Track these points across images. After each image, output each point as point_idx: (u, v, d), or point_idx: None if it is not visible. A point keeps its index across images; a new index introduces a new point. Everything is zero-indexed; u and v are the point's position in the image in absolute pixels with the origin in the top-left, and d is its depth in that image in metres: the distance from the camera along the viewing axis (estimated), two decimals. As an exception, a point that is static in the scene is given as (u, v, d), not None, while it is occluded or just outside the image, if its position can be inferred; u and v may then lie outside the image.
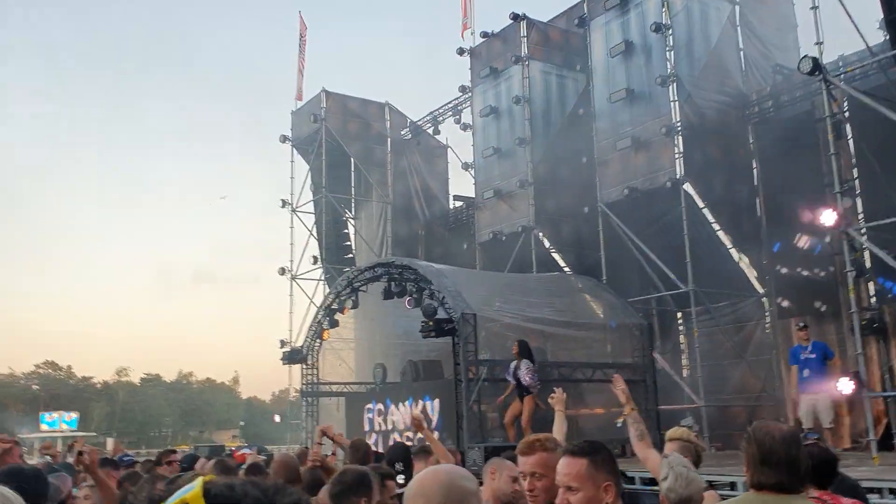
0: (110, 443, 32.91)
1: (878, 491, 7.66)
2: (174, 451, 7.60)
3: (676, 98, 16.11)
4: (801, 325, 12.61)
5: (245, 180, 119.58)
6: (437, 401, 15.66)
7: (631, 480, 10.08)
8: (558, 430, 5.07)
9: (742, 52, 17.62)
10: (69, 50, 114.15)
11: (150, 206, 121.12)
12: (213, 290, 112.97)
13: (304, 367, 19.00)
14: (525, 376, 12.26)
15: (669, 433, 4.87)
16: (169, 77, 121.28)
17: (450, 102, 23.43)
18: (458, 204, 24.43)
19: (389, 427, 16.75)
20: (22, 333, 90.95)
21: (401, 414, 16.73)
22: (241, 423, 64.80)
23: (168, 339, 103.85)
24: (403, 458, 5.44)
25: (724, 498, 4.10)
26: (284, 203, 24.76)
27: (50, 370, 68.71)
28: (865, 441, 12.11)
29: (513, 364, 12.45)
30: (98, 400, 66.61)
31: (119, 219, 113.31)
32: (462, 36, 21.74)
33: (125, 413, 67.07)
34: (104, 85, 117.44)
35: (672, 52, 16.24)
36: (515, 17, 19.36)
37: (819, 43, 11.32)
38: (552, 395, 5.40)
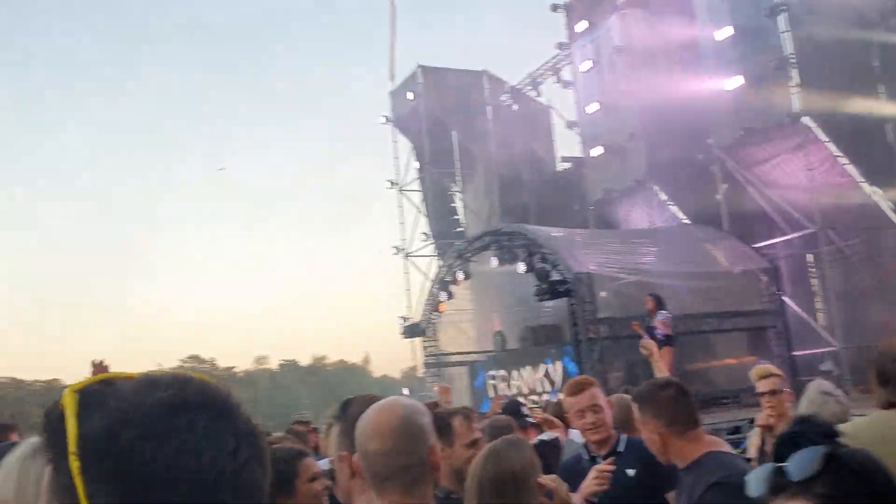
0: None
1: None
2: (308, 422, 8.09)
3: (788, 28, 15.14)
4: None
5: (350, 165, 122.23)
6: (558, 363, 15.56)
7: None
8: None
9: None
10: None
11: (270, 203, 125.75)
12: (335, 276, 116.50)
13: (424, 339, 19.33)
14: (663, 329, 11.87)
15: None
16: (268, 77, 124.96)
17: (548, 62, 22.97)
18: (566, 165, 24.01)
19: (514, 392, 16.79)
20: (166, 331, 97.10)
21: (523, 379, 16.75)
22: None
23: (300, 328, 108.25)
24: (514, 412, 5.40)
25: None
26: (392, 183, 25.13)
27: (195, 363, 73.11)
28: None
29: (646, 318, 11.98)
30: (241, 388, 70.41)
31: (248, 222, 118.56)
32: None
33: (268, 398, 70.60)
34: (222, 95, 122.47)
35: (779, -21, 15.22)
36: (610, -35, 18.70)
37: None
38: (643, 345, 5.15)
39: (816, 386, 3.58)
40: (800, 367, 15.06)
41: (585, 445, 3.47)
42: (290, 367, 76.35)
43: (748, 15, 15.82)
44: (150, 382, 0.81)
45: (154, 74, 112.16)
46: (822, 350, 15.48)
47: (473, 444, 2.88)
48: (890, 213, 16.03)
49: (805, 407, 3.47)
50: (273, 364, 76.44)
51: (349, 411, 2.07)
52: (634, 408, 2.82)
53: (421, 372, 22.88)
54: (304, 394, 72.60)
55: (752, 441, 4.68)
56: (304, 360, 79.27)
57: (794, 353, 15.61)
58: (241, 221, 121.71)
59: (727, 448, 2.91)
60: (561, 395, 3.90)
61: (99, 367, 2.06)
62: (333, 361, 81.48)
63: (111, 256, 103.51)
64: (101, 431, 0.77)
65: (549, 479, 2.56)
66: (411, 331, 19.66)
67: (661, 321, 11.52)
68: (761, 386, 4.02)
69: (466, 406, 5.01)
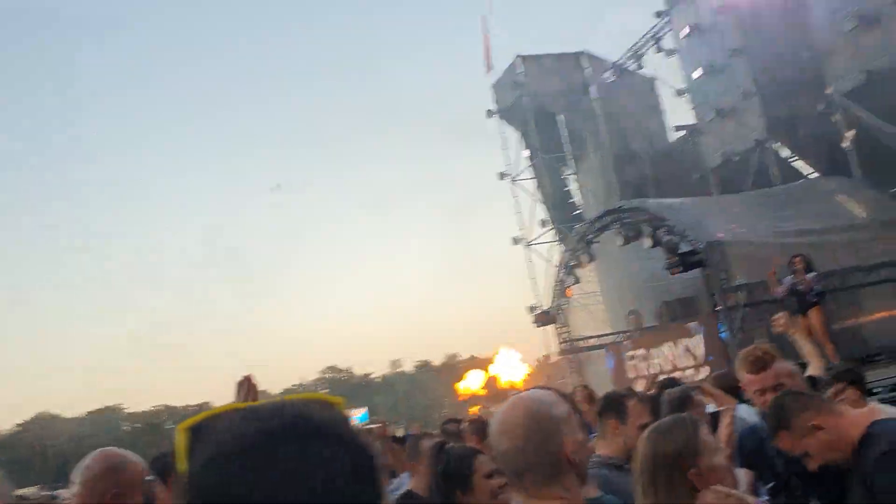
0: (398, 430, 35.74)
1: None
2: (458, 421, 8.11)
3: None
4: None
5: (458, 164, 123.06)
6: (698, 336, 15.32)
7: None
8: (810, 354, 4.62)
9: None
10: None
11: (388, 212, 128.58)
12: (456, 278, 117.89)
13: (557, 326, 19.44)
14: (817, 288, 11.47)
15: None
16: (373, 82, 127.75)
17: (648, 32, 22.53)
18: (681, 133, 23.47)
19: (656, 370, 16.65)
20: (302, 346, 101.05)
21: (663, 356, 16.57)
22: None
23: (430, 328, 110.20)
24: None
25: None
26: (503, 175, 25.34)
27: (333, 374, 75.91)
28: None
29: (788, 279, 11.60)
30: (380, 393, 72.42)
31: (365, 233, 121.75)
32: None
33: (407, 400, 72.35)
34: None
35: None
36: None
37: None
38: (774, 321, 4.82)
39: None
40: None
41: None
42: (424, 367, 77.95)
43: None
44: (251, 413, 0.83)
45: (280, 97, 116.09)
46: None
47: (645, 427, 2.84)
48: None
49: None
50: (408, 366, 78.26)
51: None
52: (791, 421, 2.63)
53: (554, 359, 22.98)
54: (441, 392, 73.93)
55: None
56: (438, 359, 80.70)
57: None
58: (363, 227, 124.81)
59: (884, 414, 2.73)
60: (738, 369, 3.68)
61: (246, 382, 2.28)
62: (465, 359, 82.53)
63: (241, 275, 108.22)
64: (202, 466, 0.78)
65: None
66: (543, 319, 19.82)
67: (810, 279, 11.15)
68: None
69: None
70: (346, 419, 0.86)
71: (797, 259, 11.78)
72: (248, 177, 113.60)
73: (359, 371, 76.59)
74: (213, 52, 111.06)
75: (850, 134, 16.04)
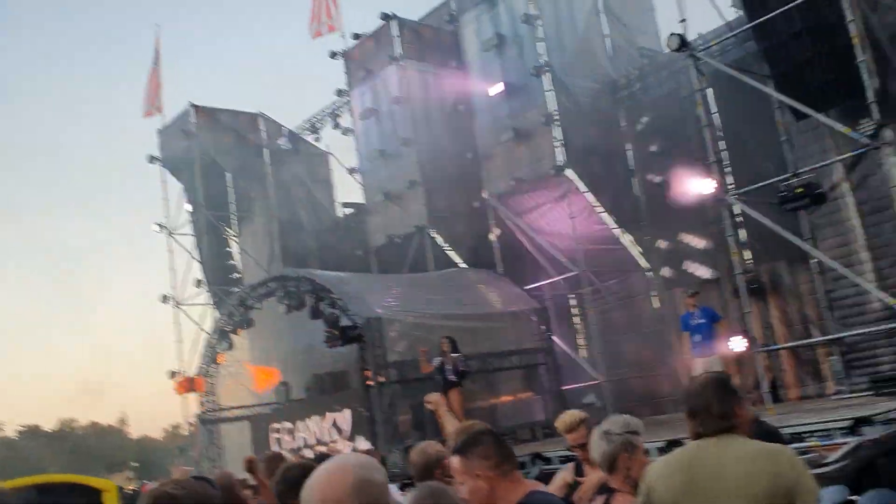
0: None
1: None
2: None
3: (551, 87, 16.52)
4: (691, 292, 13.16)
5: (111, 203, 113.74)
6: (347, 411, 15.42)
7: (548, 461, 10.25)
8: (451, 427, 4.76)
9: (608, 39, 18.27)
10: None
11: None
12: (89, 326, 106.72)
13: (202, 394, 18.27)
14: (459, 367, 12.21)
15: (565, 424, 4.81)
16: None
17: (327, 108, 23.11)
18: (348, 210, 24.12)
19: (300, 444, 16.35)
20: None
21: (309, 429, 16.37)
22: (136, 465, 61.68)
23: (43, 390, 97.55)
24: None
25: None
26: (161, 227, 23.66)
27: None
28: (755, 394, 12.84)
29: (437, 359, 12.26)
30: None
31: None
32: (314, 36, 21.27)
33: (2, 470, 62.50)
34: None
35: (543, 43, 16.63)
36: (386, 17, 19.22)
37: (682, 21, 11.89)
38: (427, 400, 5.14)
39: (598, 428, 3.75)
40: (569, 399, 16.18)
41: None
42: (31, 433, 68.30)
43: (517, 72, 17.10)
44: None
45: None
46: (587, 384, 16.80)
47: None
48: (639, 258, 17.95)
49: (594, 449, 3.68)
50: (9, 431, 67.92)
51: None
52: (455, 460, 2.77)
53: (188, 430, 21.42)
54: (49, 461, 65.23)
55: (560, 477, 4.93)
56: (49, 424, 71.42)
57: (564, 387, 16.77)
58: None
59: (543, 488, 3.04)
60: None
61: None
62: (84, 424, 74.43)
63: None
64: None
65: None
66: (186, 386, 18.49)
67: (455, 359, 11.90)
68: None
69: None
70: None
71: (444, 341, 12.59)
72: None
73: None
74: None
75: (496, 232, 17.81)
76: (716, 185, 11.32)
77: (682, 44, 11.30)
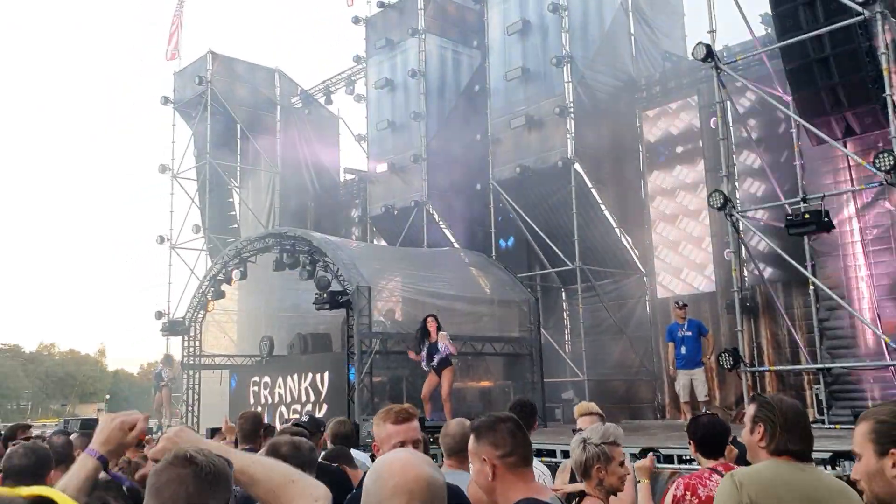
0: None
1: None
2: (29, 427, 6.84)
3: (570, 79, 16.40)
4: (680, 304, 13.17)
5: (118, 143, 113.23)
6: (326, 373, 15.42)
7: (552, 454, 10.12)
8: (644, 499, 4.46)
9: (633, 38, 18.11)
10: None
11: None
12: (82, 255, 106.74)
13: (186, 339, 18.28)
14: (450, 347, 12.29)
15: (581, 409, 5.03)
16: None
17: (343, 72, 22.94)
18: (350, 177, 24.03)
19: (276, 400, 16.38)
20: None
21: (288, 387, 16.38)
22: (108, 396, 62.01)
23: (28, 308, 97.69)
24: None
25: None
26: (164, 168, 23.53)
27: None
28: (735, 412, 12.89)
29: (424, 347, 12.40)
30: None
31: None
32: (350, 3, 21.26)
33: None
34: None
35: (567, 34, 16.48)
36: (413, -12, 19.06)
37: (712, 31, 11.76)
38: (639, 465, 4.56)
39: (578, 434, 3.83)
40: (547, 392, 16.21)
41: None
42: (10, 352, 68.65)
43: (537, 60, 16.95)
44: None
45: None
46: (569, 379, 16.84)
47: None
48: (636, 260, 17.92)
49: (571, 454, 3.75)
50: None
51: None
52: (470, 438, 2.76)
53: (168, 370, 21.40)
54: (24, 383, 65.55)
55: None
56: (30, 345, 71.90)
57: (545, 380, 16.79)
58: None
59: (547, 496, 2.79)
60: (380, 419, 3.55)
61: None
62: (63, 350, 74.89)
63: None
64: None
65: None
66: (172, 328, 18.48)
67: (448, 340, 11.98)
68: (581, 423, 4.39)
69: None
70: None
71: (430, 319, 12.63)
72: None
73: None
74: None
75: (496, 218, 17.74)
76: (722, 200, 11.25)
77: (709, 54, 11.18)
